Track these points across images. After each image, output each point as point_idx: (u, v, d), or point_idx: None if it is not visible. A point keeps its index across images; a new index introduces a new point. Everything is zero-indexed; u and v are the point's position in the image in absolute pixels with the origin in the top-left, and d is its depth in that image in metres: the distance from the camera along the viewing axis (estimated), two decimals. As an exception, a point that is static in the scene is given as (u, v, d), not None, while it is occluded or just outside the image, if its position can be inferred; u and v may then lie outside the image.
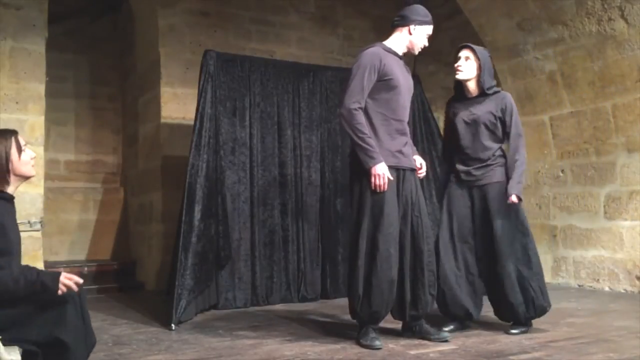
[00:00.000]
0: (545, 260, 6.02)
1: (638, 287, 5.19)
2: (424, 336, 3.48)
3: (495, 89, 3.80)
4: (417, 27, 3.52)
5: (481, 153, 3.74)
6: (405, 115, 3.56)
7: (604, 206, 5.50)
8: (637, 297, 4.97)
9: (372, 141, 3.36)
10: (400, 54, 3.58)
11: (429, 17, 3.57)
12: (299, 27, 6.83)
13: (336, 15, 7.06)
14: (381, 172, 3.32)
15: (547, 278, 5.94)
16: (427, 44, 3.60)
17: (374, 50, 3.47)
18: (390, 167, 3.39)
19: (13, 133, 2.47)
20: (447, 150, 4.00)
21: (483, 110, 3.74)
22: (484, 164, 3.73)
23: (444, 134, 4.10)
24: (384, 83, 3.43)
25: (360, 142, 3.35)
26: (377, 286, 3.33)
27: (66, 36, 6.91)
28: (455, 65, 3.77)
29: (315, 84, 5.40)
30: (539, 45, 5.73)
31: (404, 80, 3.53)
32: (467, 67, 3.74)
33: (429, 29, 3.57)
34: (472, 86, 3.79)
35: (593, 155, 5.59)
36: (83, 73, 7.25)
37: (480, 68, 3.73)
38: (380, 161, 3.34)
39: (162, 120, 6.03)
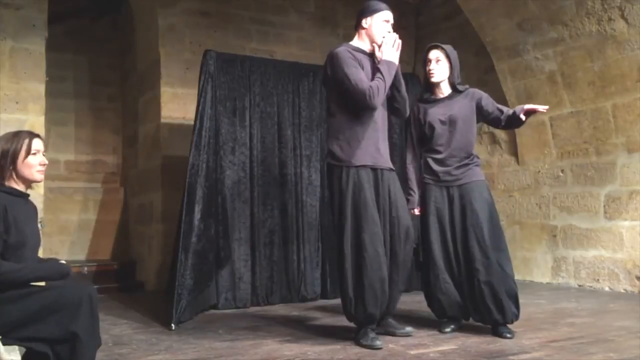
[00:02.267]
0: (545, 260, 6.03)
1: (638, 287, 5.19)
2: (387, 330, 3.52)
3: (465, 86, 3.79)
4: (368, 18, 3.52)
5: (460, 151, 3.68)
6: (381, 112, 3.53)
7: (604, 206, 5.50)
8: (637, 297, 4.97)
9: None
10: (367, 50, 3.56)
11: (379, 5, 3.53)
12: (299, 27, 6.84)
13: (336, 15, 7.06)
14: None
15: (547, 278, 5.98)
16: (390, 30, 3.53)
17: (342, 49, 3.47)
18: (367, 167, 3.42)
19: (31, 135, 2.51)
20: (417, 156, 3.85)
21: (458, 107, 3.70)
22: (463, 163, 3.67)
23: (410, 139, 3.89)
24: None
25: (389, 70, 3.40)
26: (369, 287, 3.32)
27: (66, 36, 6.92)
28: (428, 69, 3.73)
29: (315, 84, 5.39)
30: (539, 45, 5.73)
31: None
32: (439, 69, 3.72)
33: (383, 15, 3.52)
34: (444, 87, 3.77)
35: (593, 155, 5.59)
36: (83, 73, 7.27)
37: (451, 68, 3.72)
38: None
39: (162, 120, 6.04)
